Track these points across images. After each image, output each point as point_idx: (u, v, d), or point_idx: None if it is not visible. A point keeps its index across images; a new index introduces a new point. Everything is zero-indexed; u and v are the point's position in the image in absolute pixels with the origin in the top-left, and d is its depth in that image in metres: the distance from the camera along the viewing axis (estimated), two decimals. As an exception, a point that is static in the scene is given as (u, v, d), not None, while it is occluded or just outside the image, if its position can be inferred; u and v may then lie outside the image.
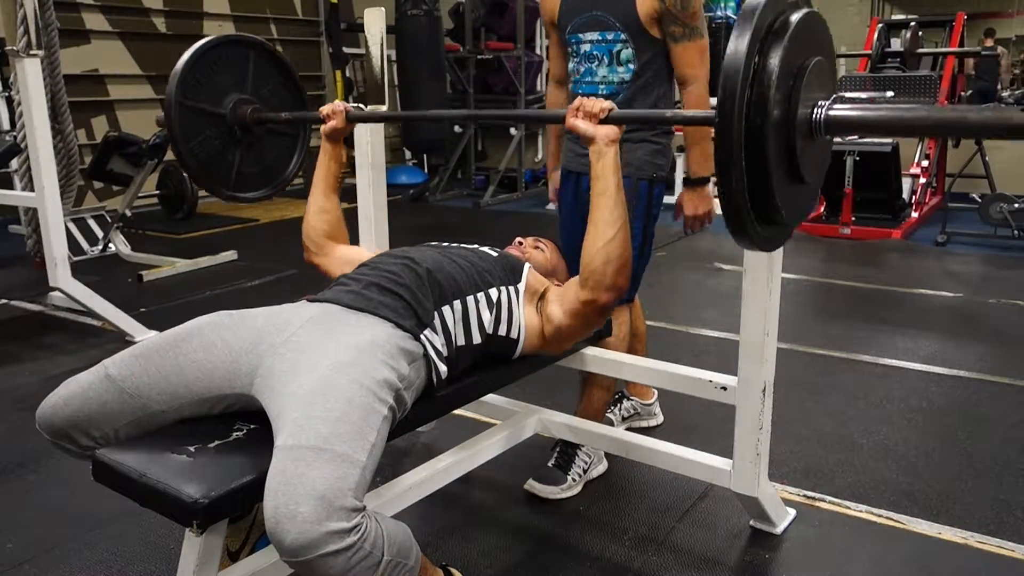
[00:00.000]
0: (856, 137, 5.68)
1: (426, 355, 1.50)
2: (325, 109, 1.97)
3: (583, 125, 1.56)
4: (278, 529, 1.11)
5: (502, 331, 1.67)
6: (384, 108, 2.32)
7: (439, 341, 1.55)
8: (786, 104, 1.16)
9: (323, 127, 1.96)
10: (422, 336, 1.51)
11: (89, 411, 1.39)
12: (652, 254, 2.30)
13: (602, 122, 1.56)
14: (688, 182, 2.15)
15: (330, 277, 1.88)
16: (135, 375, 1.40)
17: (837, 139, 5.62)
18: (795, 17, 1.17)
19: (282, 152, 2.21)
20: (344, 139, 2.00)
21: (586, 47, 2.13)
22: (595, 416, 2.24)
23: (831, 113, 1.19)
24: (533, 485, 2.15)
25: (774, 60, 1.13)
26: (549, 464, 2.19)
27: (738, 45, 1.10)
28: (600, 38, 2.10)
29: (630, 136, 2.14)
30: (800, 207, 1.32)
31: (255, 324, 1.47)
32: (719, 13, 6.40)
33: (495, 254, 1.80)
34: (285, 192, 2.56)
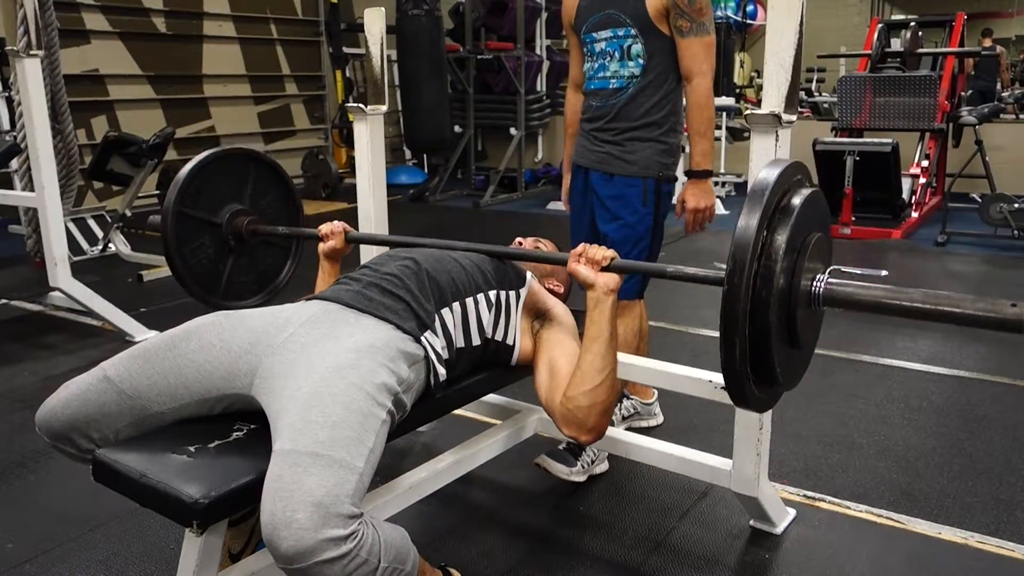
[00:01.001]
0: (857, 138, 5.68)
1: (426, 357, 1.50)
2: (324, 228, 1.94)
3: (584, 271, 1.55)
4: (274, 536, 1.11)
5: (499, 335, 1.67)
6: (384, 108, 2.32)
7: (440, 343, 1.54)
8: (789, 276, 1.24)
9: (321, 246, 1.94)
10: (423, 338, 1.50)
11: (88, 413, 1.38)
12: (656, 255, 2.30)
13: (604, 269, 1.55)
14: (691, 174, 2.16)
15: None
16: (134, 376, 1.40)
17: (838, 140, 5.62)
18: (798, 199, 1.25)
19: (275, 261, 2.21)
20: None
21: (600, 45, 2.18)
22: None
23: (829, 288, 1.28)
24: (546, 460, 2.14)
25: (781, 237, 1.21)
26: (560, 447, 2.19)
27: (749, 222, 1.18)
28: (612, 35, 2.14)
29: (638, 135, 2.16)
30: (795, 371, 1.38)
31: (254, 324, 1.46)
32: (719, 13, 6.41)
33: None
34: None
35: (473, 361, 1.65)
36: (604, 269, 1.55)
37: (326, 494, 1.13)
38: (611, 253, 1.57)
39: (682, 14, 2.03)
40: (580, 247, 1.58)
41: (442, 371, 1.54)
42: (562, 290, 1.95)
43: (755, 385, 1.28)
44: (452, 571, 1.63)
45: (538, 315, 1.75)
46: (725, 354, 1.22)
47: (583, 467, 2.18)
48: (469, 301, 1.62)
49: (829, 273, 1.30)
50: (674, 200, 2.26)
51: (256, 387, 1.39)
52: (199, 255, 2.02)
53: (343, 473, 1.17)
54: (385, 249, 1.86)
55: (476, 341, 1.63)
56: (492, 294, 1.66)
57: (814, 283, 1.28)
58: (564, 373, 1.59)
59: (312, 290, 1.90)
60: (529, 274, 1.78)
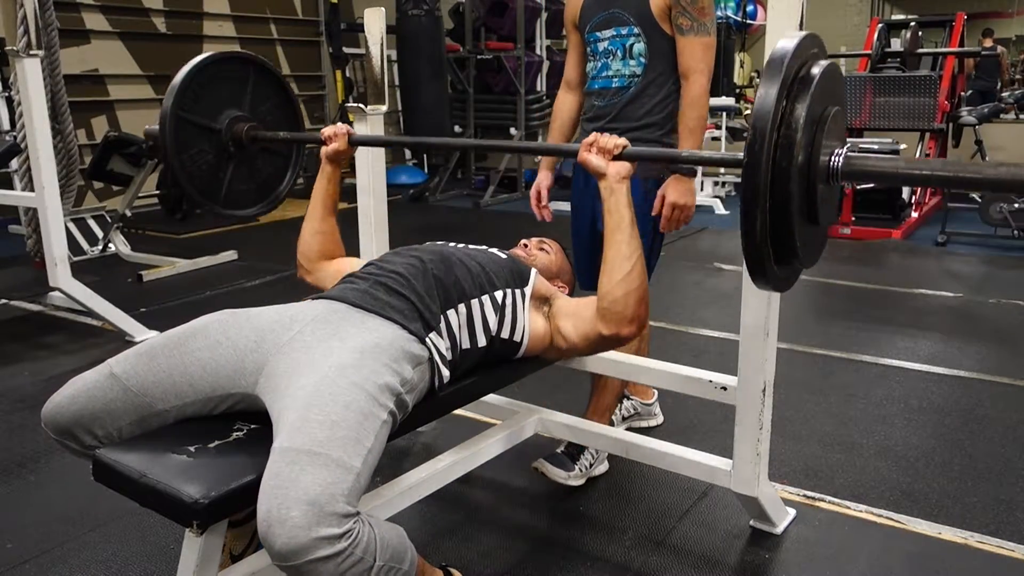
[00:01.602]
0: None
1: (431, 359, 1.50)
2: (327, 131, 1.94)
3: (596, 160, 1.56)
4: (269, 533, 1.11)
5: (505, 333, 1.67)
6: (384, 108, 2.32)
7: (444, 345, 1.55)
8: (809, 149, 1.21)
9: (324, 149, 1.94)
10: (427, 339, 1.50)
11: (93, 409, 1.39)
12: (659, 254, 2.30)
13: (616, 158, 1.56)
14: (676, 169, 2.12)
15: (321, 289, 1.86)
16: (140, 373, 1.40)
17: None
18: (817, 69, 1.23)
19: (275, 170, 2.19)
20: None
21: (603, 44, 2.17)
22: (601, 418, 2.24)
23: (848, 161, 1.25)
24: (543, 464, 2.14)
25: (800, 107, 1.19)
26: (558, 451, 2.19)
27: (768, 91, 1.16)
28: (615, 34, 2.13)
29: (640, 135, 2.15)
30: (814, 249, 1.36)
31: (260, 323, 1.47)
32: (719, 13, 6.41)
33: (504, 256, 1.79)
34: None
35: (477, 360, 1.65)
36: (616, 158, 1.56)
37: (321, 492, 1.13)
38: (623, 141, 1.57)
39: (683, 12, 2.03)
40: (591, 136, 1.59)
41: (446, 372, 1.54)
42: (567, 291, 1.96)
43: (774, 261, 1.26)
44: (453, 571, 1.63)
45: (545, 301, 1.77)
46: (745, 227, 1.19)
47: (581, 471, 2.17)
48: (475, 303, 1.62)
49: (847, 148, 1.26)
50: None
51: (261, 386, 1.39)
52: (198, 161, 1.99)
53: (339, 472, 1.17)
54: (385, 249, 1.86)
55: (481, 342, 1.63)
56: (498, 295, 1.66)
57: (833, 157, 1.24)
58: (589, 305, 1.64)
59: (313, 290, 1.90)
60: (533, 271, 1.79)
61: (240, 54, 2.10)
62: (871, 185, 5.18)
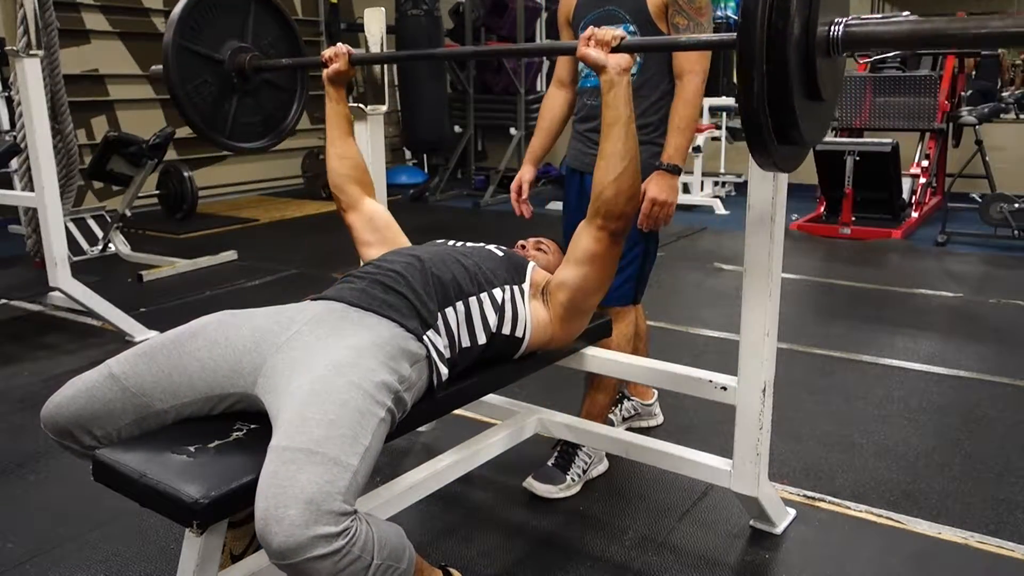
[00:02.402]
0: (857, 139, 5.68)
1: (428, 357, 1.50)
2: (327, 52, 1.97)
3: (595, 54, 1.56)
4: (266, 531, 1.11)
5: (506, 330, 1.67)
6: (384, 108, 2.32)
7: (442, 343, 1.55)
8: (806, 12, 1.17)
9: (325, 72, 1.97)
10: (425, 337, 1.50)
11: (93, 410, 1.39)
12: (655, 254, 2.30)
13: (614, 50, 1.55)
14: (659, 166, 2.09)
15: (356, 241, 1.93)
16: (139, 374, 1.40)
17: (838, 140, 5.62)
18: None
19: (281, 103, 2.20)
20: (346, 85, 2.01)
21: None
22: (598, 418, 2.24)
23: (848, 29, 1.21)
24: (532, 483, 2.15)
25: None
26: (549, 463, 2.19)
27: None
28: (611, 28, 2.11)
29: None
30: (817, 126, 1.32)
31: (258, 323, 1.47)
32: (719, 13, 6.41)
33: (501, 253, 1.80)
34: (285, 192, 2.54)
35: (477, 358, 1.66)
36: (614, 50, 1.56)
37: (318, 491, 1.13)
38: (620, 33, 1.57)
39: (680, 11, 2.02)
40: (588, 30, 1.58)
41: (444, 370, 1.54)
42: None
43: (776, 138, 1.22)
44: (452, 571, 1.63)
45: (542, 289, 1.78)
46: (743, 97, 1.16)
47: (574, 479, 2.17)
48: (473, 300, 1.62)
49: (848, 19, 1.23)
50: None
51: (259, 385, 1.39)
52: (203, 93, 2.00)
53: (336, 471, 1.18)
54: (384, 249, 1.86)
55: (481, 339, 1.63)
56: (497, 292, 1.66)
57: (832, 26, 1.21)
58: (571, 245, 1.70)
59: (314, 289, 1.90)
60: (531, 264, 1.79)
61: None
62: (872, 157, 5.11)
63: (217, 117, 2.04)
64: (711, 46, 1.55)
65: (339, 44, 1.99)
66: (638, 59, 2.10)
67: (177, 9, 1.94)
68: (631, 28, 2.08)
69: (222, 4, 2.03)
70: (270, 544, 1.11)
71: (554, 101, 2.35)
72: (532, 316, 1.71)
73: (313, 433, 1.21)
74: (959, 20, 1.15)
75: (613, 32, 1.56)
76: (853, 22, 1.21)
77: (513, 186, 2.38)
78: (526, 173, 2.37)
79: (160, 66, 1.96)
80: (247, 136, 2.13)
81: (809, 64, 1.20)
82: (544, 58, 7.97)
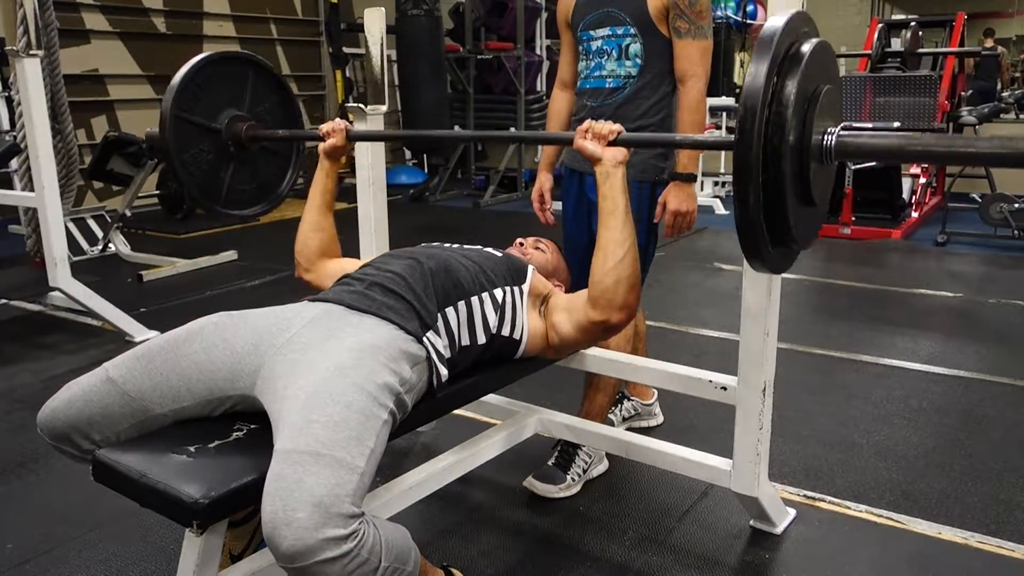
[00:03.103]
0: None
1: (428, 358, 1.50)
2: (325, 127, 1.94)
3: (591, 146, 1.57)
4: (275, 535, 1.11)
5: (505, 331, 1.67)
6: (384, 108, 2.32)
7: (442, 343, 1.55)
8: (801, 127, 1.20)
9: (322, 145, 1.94)
10: (425, 339, 1.50)
11: (90, 414, 1.38)
12: (653, 254, 2.30)
13: (611, 144, 1.56)
14: (675, 177, 2.13)
15: (319, 290, 1.86)
16: (136, 377, 1.40)
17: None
18: (808, 47, 1.22)
19: (276, 170, 2.20)
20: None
21: (597, 43, 2.15)
22: (597, 418, 2.24)
23: (840, 140, 1.23)
24: (532, 483, 2.15)
25: (791, 84, 1.18)
26: (549, 463, 2.19)
27: (759, 69, 1.16)
28: (610, 33, 2.11)
29: None
30: (809, 230, 1.35)
31: (257, 324, 1.46)
32: (719, 13, 6.41)
33: (499, 254, 1.80)
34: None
35: (476, 358, 1.66)
36: (611, 143, 1.57)
37: (327, 494, 1.13)
38: (618, 127, 1.58)
39: (681, 15, 2.02)
40: (586, 123, 1.60)
41: (444, 371, 1.54)
42: (563, 289, 1.95)
43: (769, 242, 1.25)
44: (454, 571, 1.63)
45: (543, 300, 1.77)
46: (739, 207, 1.19)
47: (574, 479, 2.17)
48: (474, 300, 1.62)
49: (841, 127, 1.26)
50: None
51: (259, 387, 1.39)
52: (199, 161, 2.01)
53: (344, 473, 1.17)
54: (385, 249, 1.86)
55: (481, 339, 1.63)
56: (497, 292, 1.66)
57: (825, 136, 1.24)
58: (581, 297, 1.65)
59: (312, 291, 1.90)
60: (530, 267, 1.79)
61: (239, 54, 2.11)
62: (871, 164, 5.14)
63: (212, 185, 2.05)
64: (708, 146, 1.58)
65: (337, 120, 1.96)
66: (639, 61, 2.10)
67: (176, 79, 1.95)
68: (631, 31, 2.08)
69: (221, 73, 2.04)
70: (279, 547, 1.10)
71: (560, 104, 2.36)
72: (529, 325, 1.71)
73: (319, 435, 1.20)
74: (947, 138, 1.21)
75: (610, 126, 1.57)
76: (845, 133, 1.23)
77: (534, 196, 2.40)
78: (545, 181, 2.38)
79: (156, 131, 1.97)
80: (242, 203, 2.14)
81: (803, 173, 1.23)
82: (545, 59, 7.98)
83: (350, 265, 1.90)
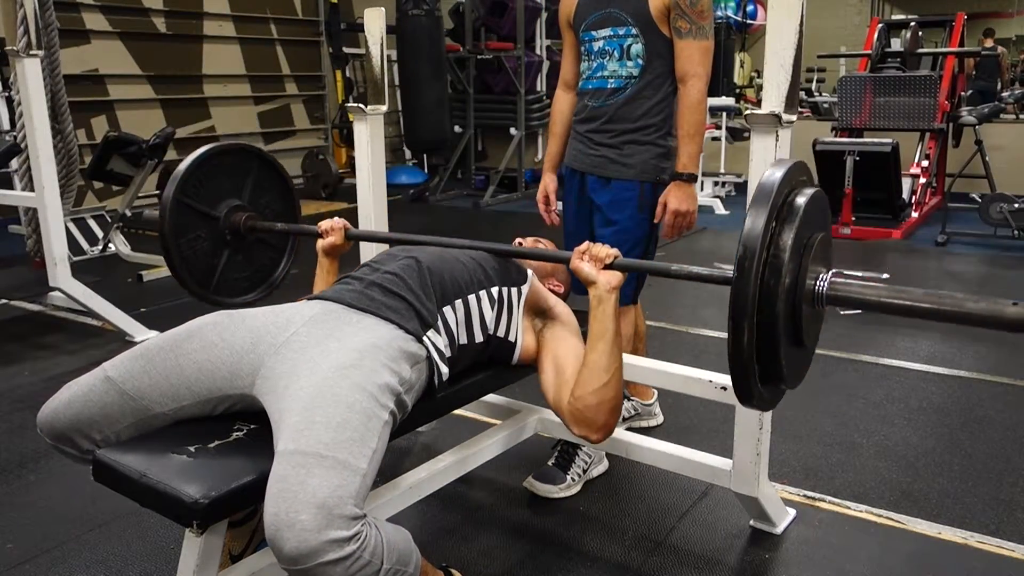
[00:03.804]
0: (857, 138, 5.68)
1: (429, 357, 1.50)
2: (324, 225, 1.94)
3: (587, 268, 1.55)
4: (277, 536, 1.11)
5: (501, 332, 1.67)
6: (384, 108, 2.32)
7: (442, 342, 1.54)
8: (796, 272, 1.26)
9: (320, 243, 1.94)
10: (425, 338, 1.50)
11: (90, 414, 1.38)
12: (653, 256, 2.30)
13: (607, 267, 1.55)
14: (676, 176, 2.12)
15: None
16: (136, 377, 1.40)
17: (838, 140, 5.61)
18: (803, 199, 1.28)
19: (270, 260, 2.21)
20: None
21: (599, 44, 2.15)
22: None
23: (832, 287, 1.30)
24: (532, 483, 2.15)
25: (788, 232, 1.25)
26: (549, 463, 2.19)
27: (758, 216, 1.22)
28: (612, 33, 2.11)
29: (636, 138, 2.14)
30: (798, 370, 1.40)
31: (256, 324, 1.46)
32: (719, 13, 6.41)
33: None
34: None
35: (475, 358, 1.65)
36: (607, 267, 1.55)
37: (329, 495, 1.13)
38: (614, 252, 1.57)
39: (682, 14, 2.02)
40: (584, 244, 1.59)
41: (444, 370, 1.54)
42: (562, 290, 1.95)
43: (760, 382, 1.29)
44: (454, 572, 1.63)
45: (539, 313, 1.75)
46: (733, 345, 1.23)
47: (574, 479, 2.17)
48: (472, 298, 1.62)
49: (832, 274, 1.33)
50: None
51: (258, 387, 1.39)
52: (195, 247, 2.01)
53: (346, 474, 1.17)
54: (386, 247, 1.86)
55: (479, 338, 1.63)
56: (495, 291, 1.66)
57: (818, 282, 1.31)
58: (570, 371, 1.59)
59: (311, 289, 1.90)
60: (530, 271, 1.78)
61: (246, 147, 2.13)
62: (871, 163, 5.18)
63: (205, 271, 2.06)
64: (706, 279, 1.61)
65: (336, 218, 1.96)
66: (640, 61, 2.10)
67: (182, 166, 1.97)
68: (633, 31, 2.08)
69: (226, 163, 2.06)
70: (281, 549, 1.10)
71: (563, 104, 2.36)
72: (523, 339, 1.69)
73: (321, 436, 1.20)
74: (933, 296, 1.22)
75: (607, 250, 1.56)
76: (836, 281, 1.30)
77: (539, 197, 2.40)
78: (549, 182, 2.37)
79: (155, 213, 1.99)
80: (233, 291, 2.14)
81: (796, 315, 1.28)
82: (545, 59, 7.98)
83: None
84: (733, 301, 1.22)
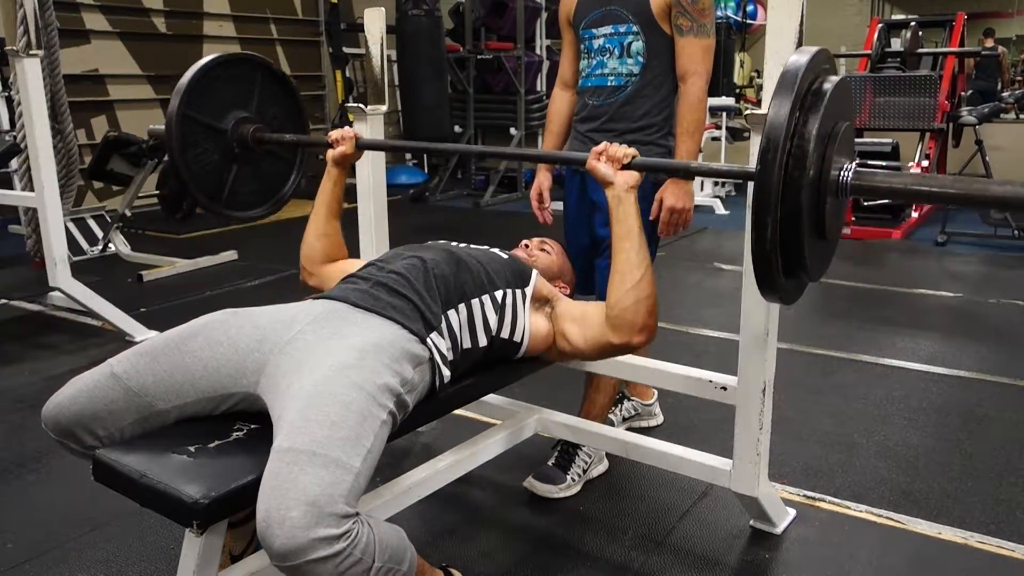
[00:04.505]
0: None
1: (431, 359, 1.50)
2: (334, 134, 1.94)
3: (604, 168, 1.57)
4: (268, 533, 1.11)
5: (505, 333, 1.67)
6: (384, 108, 2.32)
7: (445, 345, 1.54)
8: (820, 162, 1.23)
9: (330, 152, 1.93)
10: (428, 339, 1.50)
11: (95, 409, 1.38)
12: (655, 254, 2.30)
13: (624, 167, 1.56)
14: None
15: (323, 290, 1.85)
16: (141, 373, 1.40)
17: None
18: (829, 84, 1.25)
19: (279, 173, 2.20)
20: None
21: (599, 42, 2.14)
22: (597, 419, 2.23)
23: (857, 176, 1.27)
24: (532, 483, 2.15)
25: (812, 120, 1.21)
26: (549, 463, 2.19)
27: (782, 104, 1.19)
28: (613, 31, 2.11)
29: (638, 137, 2.13)
30: (821, 263, 1.38)
31: (260, 322, 1.46)
32: (719, 13, 6.41)
33: (505, 256, 1.79)
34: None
35: (477, 359, 1.65)
36: (624, 167, 1.57)
37: (320, 493, 1.13)
38: (632, 151, 1.58)
39: (684, 12, 2.02)
40: (601, 145, 1.60)
41: (447, 372, 1.54)
42: (568, 291, 1.96)
43: (782, 273, 1.27)
44: (453, 571, 1.63)
45: (546, 302, 1.76)
46: (756, 236, 1.21)
47: (574, 479, 2.17)
48: (475, 303, 1.62)
49: (856, 164, 1.29)
50: None
51: (262, 385, 1.39)
52: (202, 161, 2.01)
53: (339, 472, 1.18)
54: (385, 249, 1.86)
55: (483, 342, 1.63)
56: (498, 294, 1.66)
57: (842, 172, 1.27)
58: (594, 312, 1.64)
59: (316, 292, 1.90)
60: (534, 272, 1.78)
61: (249, 56, 2.11)
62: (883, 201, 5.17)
63: (215, 186, 2.05)
64: (728, 176, 1.60)
65: (347, 128, 1.96)
66: (641, 59, 2.10)
67: (185, 78, 1.96)
68: (634, 28, 2.08)
69: (229, 74, 2.04)
70: (271, 545, 1.11)
71: (561, 103, 2.34)
72: (531, 327, 1.70)
73: (315, 434, 1.20)
74: (961, 181, 1.20)
75: (624, 150, 1.57)
76: (861, 170, 1.27)
77: (533, 194, 2.38)
78: (544, 180, 2.36)
79: (161, 127, 1.98)
80: (243, 205, 2.14)
81: (819, 206, 1.26)
82: (545, 59, 7.98)
83: (351, 267, 1.89)
84: (756, 194, 1.19)
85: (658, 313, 1.62)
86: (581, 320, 1.68)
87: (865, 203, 5.38)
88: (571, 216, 2.33)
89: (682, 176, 2.10)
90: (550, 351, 1.75)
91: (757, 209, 1.20)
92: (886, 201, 5.47)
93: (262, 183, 2.15)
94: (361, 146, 1.95)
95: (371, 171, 2.31)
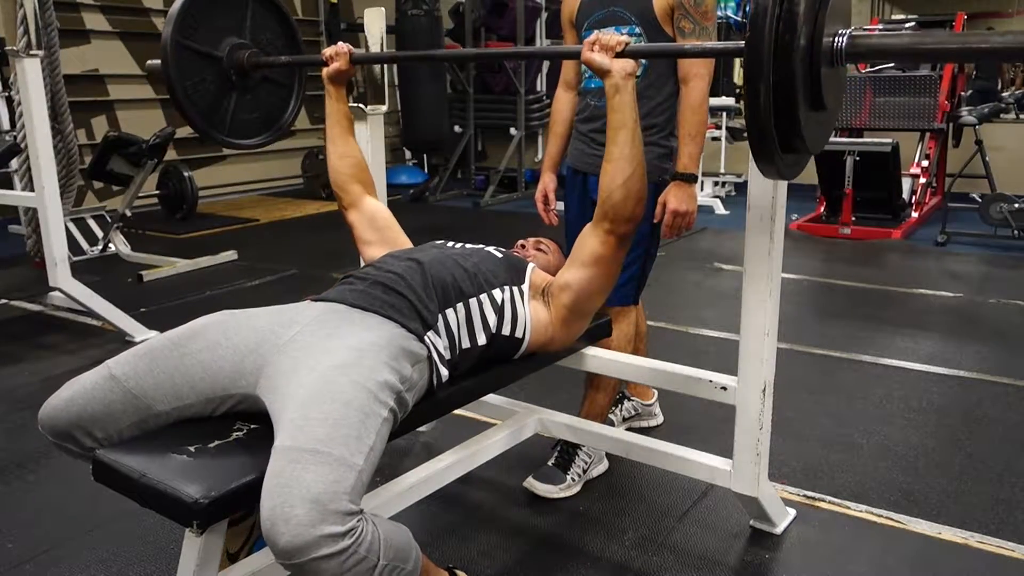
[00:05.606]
0: (857, 139, 5.68)
1: (429, 357, 1.50)
2: (328, 51, 1.97)
3: (599, 58, 1.57)
4: (272, 531, 1.11)
5: (506, 331, 1.67)
6: (384, 108, 2.32)
7: (442, 344, 1.55)
8: (812, 26, 1.20)
9: (326, 70, 1.97)
10: (426, 338, 1.50)
11: (93, 411, 1.38)
12: (655, 255, 2.30)
13: (618, 55, 1.56)
14: (676, 176, 2.12)
15: (358, 240, 1.93)
16: (139, 375, 1.40)
17: (838, 140, 5.62)
18: None
19: (279, 100, 2.21)
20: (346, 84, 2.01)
21: None
22: (597, 419, 2.23)
23: (852, 40, 1.23)
24: (532, 483, 2.15)
25: None
26: (549, 463, 2.19)
27: None
28: (615, 32, 2.10)
29: None
30: (819, 135, 1.34)
31: (259, 323, 1.47)
32: (719, 13, 6.41)
33: (500, 255, 1.80)
34: (285, 192, 2.54)
35: (478, 358, 1.66)
36: (619, 55, 1.56)
37: (324, 491, 1.13)
38: (625, 39, 1.58)
39: (686, 15, 2.02)
40: (592, 36, 1.59)
41: (444, 372, 1.54)
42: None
43: (779, 145, 1.25)
44: (458, 572, 1.63)
45: (543, 291, 1.77)
46: (750, 105, 1.19)
47: (574, 479, 2.17)
48: (473, 302, 1.62)
49: (852, 30, 1.26)
50: None
51: (261, 386, 1.39)
52: (201, 90, 2.00)
53: (342, 470, 1.18)
54: (386, 249, 1.86)
55: (481, 341, 1.63)
56: (497, 293, 1.66)
57: (836, 38, 1.24)
58: (583, 234, 1.69)
59: (314, 291, 1.90)
60: (530, 265, 1.79)
61: None
62: (871, 162, 5.11)
63: (216, 114, 2.05)
64: (717, 54, 1.56)
65: (340, 43, 1.99)
66: (643, 61, 2.10)
67: (176, 6, 1.94)
68: (636, 30, 2.08)
69: (220, 0, 2.03)
70: (276, 543, 1.11)
71: (563, 104, 2.35)
72: (532, 317, 1.71)
73: (318, 433, 1.21)
74: (960, 35, 1.19)
75: (618, 37, 1.56)
76: (857, 33, 1.23)
77: (538, 196, 2.39)
78: (548, 182, 2.37)
79: (158, 61, 1.96)
80: (246, 133, 2.14)
81: (814, 75, 1.22)
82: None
83: (382, 217, 1.94)
84: (747, 61, 1.17)
85: (644, 205, 1.67)
86: (570, 261, 1.72)
87: (860, 199, 5.38)
88: (572, 216, 2.33)
89: (684, 179, 2.09)
90: (551, 342, 1.75)
91: (749, 76, 1.17)
92: (886, 201, 5.49)
93: (262, 111, 2.17)
94: (355, 60, 1.99)
95: (371, 171, 2.30)
